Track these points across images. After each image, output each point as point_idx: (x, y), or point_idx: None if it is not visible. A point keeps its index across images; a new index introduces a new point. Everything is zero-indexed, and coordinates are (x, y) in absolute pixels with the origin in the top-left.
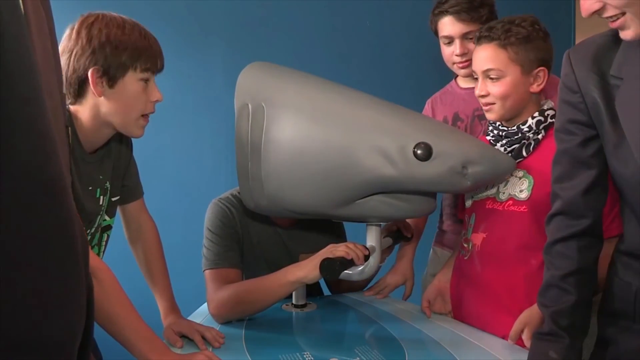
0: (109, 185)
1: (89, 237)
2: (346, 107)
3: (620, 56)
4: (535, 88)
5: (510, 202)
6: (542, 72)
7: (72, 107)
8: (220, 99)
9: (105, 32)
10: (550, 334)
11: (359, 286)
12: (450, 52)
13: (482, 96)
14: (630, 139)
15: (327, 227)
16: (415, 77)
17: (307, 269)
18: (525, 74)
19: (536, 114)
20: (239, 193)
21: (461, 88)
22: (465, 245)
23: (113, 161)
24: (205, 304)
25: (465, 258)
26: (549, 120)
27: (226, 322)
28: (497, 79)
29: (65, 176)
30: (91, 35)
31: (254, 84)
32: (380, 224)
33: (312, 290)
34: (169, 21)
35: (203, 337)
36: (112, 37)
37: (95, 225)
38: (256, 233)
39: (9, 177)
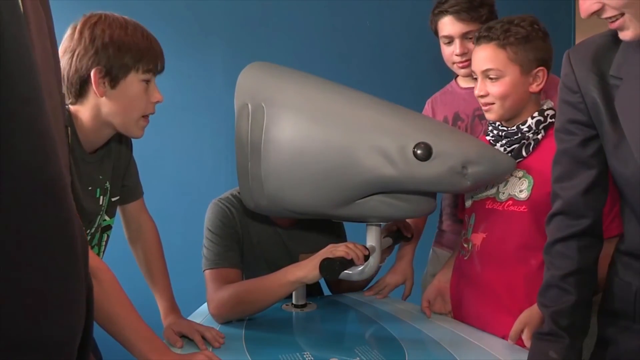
0: (109, 185)
1: (89, 237)
2: (346, 107)
3: (620, 56)
4: (534, 88)
5: (510, 202)
6: (541, 72)
7: (72, 107)
8: (220, 99)
9: (108, 33)
10: (550, 334)
11: (359, 286)
12: (450, 52)
13: (482, 96)
14: (630, 139)
15: (327, 227)
16: (415, 77)
17: (307, 269)
18: (525, 74)
19: (536, 114)
20: (239, 193)
21: (461, 88)
22: (465, 245)
23: (113, 161)
24: (205, 304)
25: (465, 258)
26: (549, 120)
27: (226, 322)
28: (496, 79)
29: (65, 176)
30: (94, 36)
31: (254, 84)
32: (380, 224)
33: (312, 290)
34: (169, 21)
35: (203, 337)
36: (115, 38)
37: (95, 225)
38: (256, 233)
39: (8, 177)
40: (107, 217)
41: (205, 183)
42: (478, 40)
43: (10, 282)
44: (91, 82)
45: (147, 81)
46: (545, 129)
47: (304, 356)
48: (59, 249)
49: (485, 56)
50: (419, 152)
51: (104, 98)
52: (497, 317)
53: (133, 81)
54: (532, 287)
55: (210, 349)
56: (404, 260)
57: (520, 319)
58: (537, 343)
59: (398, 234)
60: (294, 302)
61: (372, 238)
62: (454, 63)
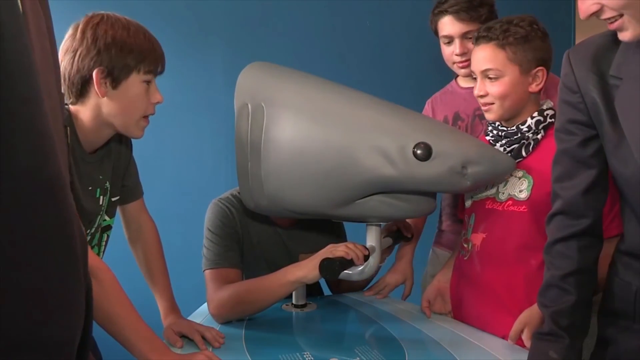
0: (108, 185)
1: (88, 237)
2: (346, 107)
3: (620, 56)
4: (534, 88)
5: (510, 202)
6: (540, 72)
7: (72, 107)
8: (220, 99)
9: (111, 33)
10: (550, 334)
11: (359, 286)
12: (450, 52)
13: (481, 96)
14: (630, 139)
15: (327, 227)
16: (415, 77)
17: (307, 269)
18: (524, 74)
19: (535, 114)
20: (239, 193)
21: (461, 88)
22: (465, 245)
23: (113, 161)
24: (205, 304)
25: (465, 258)
26: (549, 120)
27: (226, 322)
28: (496, 78)
29: (64, 176)
30: (97, 36)
31: (254, 84)
32: (380, 224)
33: (312, 290)
34: (169, 21)
35: (203, 337)
36: (117, 39)
37: (95, 225)
38: (256, 233)
39: (8, 177)
40: (107, 217)
41: (205, 183)
42: (477, 40)
43: (10, 282)
44: (93, 82)
45: (148, 82)
46: (545, 128)
47: (304, 356)
48: (58, 249)
49: (484, 56)
50: (418, 152)
51: (105, 98)
52: (497, 317)
53: (134, 82)
54: (532, 287)
55: (210, 349)
56: (403, 260)
57: (520, 319)
58: (537, 343)
59: (398, 234)
60: (294, 302)
61: (372, 238)
62: (454, 63)
